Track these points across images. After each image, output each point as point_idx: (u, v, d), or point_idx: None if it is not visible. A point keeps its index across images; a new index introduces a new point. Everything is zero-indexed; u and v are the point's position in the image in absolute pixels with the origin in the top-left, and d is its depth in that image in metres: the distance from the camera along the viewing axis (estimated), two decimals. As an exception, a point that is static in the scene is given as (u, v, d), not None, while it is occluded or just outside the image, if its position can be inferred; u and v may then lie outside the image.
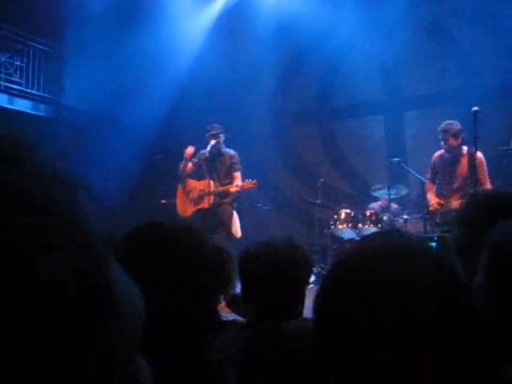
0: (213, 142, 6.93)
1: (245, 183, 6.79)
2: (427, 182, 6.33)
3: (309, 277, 2.02)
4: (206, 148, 7.02)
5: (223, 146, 7.09)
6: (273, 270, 1.85)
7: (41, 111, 9.25)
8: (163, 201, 8.49)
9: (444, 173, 6.05)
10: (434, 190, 6.12)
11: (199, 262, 1.38)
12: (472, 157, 5.68)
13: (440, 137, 5.92)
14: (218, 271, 1.97)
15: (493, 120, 6.26)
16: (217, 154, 7.04)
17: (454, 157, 5.94)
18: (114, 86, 8.86)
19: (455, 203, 5.79)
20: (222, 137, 7.06)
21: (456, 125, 5.87)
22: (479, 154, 5.67)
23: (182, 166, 7.25)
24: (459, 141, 5.87)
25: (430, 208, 6.00)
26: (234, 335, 1.83)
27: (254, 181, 6.77)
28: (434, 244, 4.17)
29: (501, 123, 7.00)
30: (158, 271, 1.33)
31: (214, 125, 7.10)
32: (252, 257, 1.91)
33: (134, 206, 9.01)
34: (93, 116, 9.04)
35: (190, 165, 7.20)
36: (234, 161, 7.01)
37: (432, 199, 6.04)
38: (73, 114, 9.11)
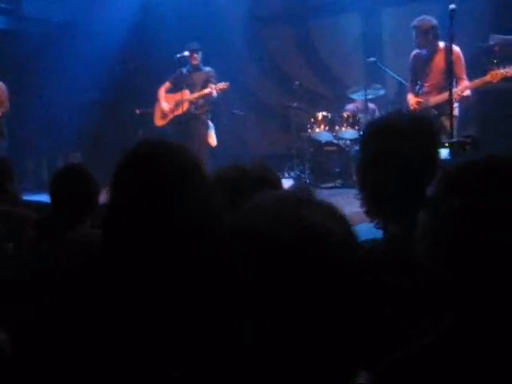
0: (188, 53, 6.98)
1: (218, 85, 6.91)
2: (408, 83, 6.24)
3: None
4: (181, 67, 7.15)
5: (201, 64, 7.17)
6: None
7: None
8: (138, 111, 8.35)
9: (421, 70, 5.96)
10: (415, 90, 6.05)
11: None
12: (448, 52, 5.59)
13: (413, 34, 5.80)
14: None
15: (471, 15, 6.09)
16: (194, 70, 7.16)
17: (429, 53, 5.84)
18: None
19: (433, 99, 5.76)
20: (201, 54, 7.13)
21: (428, 20, 5.72)
22: (456, 49, 5.57)
23: (159, 90, 7.38)
24: (430, 37, 5.74)
25: (410, 108, 5.96)
26: None
27: (227, 83, 6.91)
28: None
29: (479, 19, 6.83)
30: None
31: (191, 44, 7.11)
32: (219, 178, 1.87)
33: (108, 118, 8.84)
34: (56, 26, 8.61)
35: (166, 84, 7.35)
36: (211, 75, 7.11)
37: (411, 99, 5.99)
38: (34, 24, 8.63)
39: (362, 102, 7.50)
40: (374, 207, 1.68)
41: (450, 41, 5.29)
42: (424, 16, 5.78)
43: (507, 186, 1.02)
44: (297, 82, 8.08)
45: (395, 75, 6.95)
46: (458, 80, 5.59)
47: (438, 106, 5.67)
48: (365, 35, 8.66)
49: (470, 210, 1.02)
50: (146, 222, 1.30)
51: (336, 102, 8.24)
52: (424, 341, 1.04)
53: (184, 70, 7.15)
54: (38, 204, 4.18)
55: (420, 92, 5.98)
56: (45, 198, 3.06)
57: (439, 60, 5.78)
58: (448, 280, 1.03)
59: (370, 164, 1.70)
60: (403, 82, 6.83)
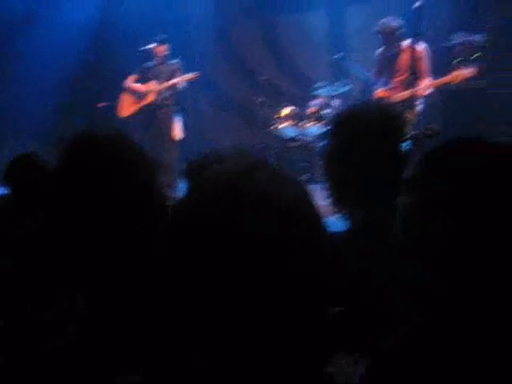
0: (155, 46, 6.90)
1: (186, 75, 6.84)
2: (373, 77, 6.29)
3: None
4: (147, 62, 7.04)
5: (165, 59, 7.04)
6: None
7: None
8: (101, 104, 8.20)
9: (387, 67, 6.02)
10: (379, 84, 6.11)
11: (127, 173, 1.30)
12: (413, 50, 5.65)
13: (378, 36, 5.89)
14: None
15: (434, 13, 6.14)
16: (161, 62, 7.02)
17: (394, 53, 5.90)
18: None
19: (396, 96, 5.82)
20: (166, 46, 6.99)
21: (390, 24, 5.81)
22: (419, 47, 5.64)
23: (125, 81, 7.20)
24: (394, 39, 5.83)
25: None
26: None
27: (196, 73, 6.83)
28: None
29: (442, 17, 6.89)
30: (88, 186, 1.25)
31: (155, 40, 6.98)
32: (196, 166, 1.83)
33: (70, 111, 8.65)
34: (19, 16, 8.37)
35: (132, 77, 7.17)
36: (178, 67, 6.99)
37: (378, 92, 6.05)
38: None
39: (327, 97, 7.50)
40: (339, 195, 1.68)
41: (414, 39, 5.35)
42: (386, 19, 5.85)
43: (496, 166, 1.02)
44: (263, 77, 8.05)
45: (361, 71, 6.97)
46: (422, 78, 5.65)
47: (401, 102, 5.74)
48: (331, 32, 8.67)
49: (459, 194, 1.00)
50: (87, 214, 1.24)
51: (301, 98, 8.23)
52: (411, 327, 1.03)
53: (150, 64, 7.02)
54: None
55: (386, 88, 6.04)
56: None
57: (405, 58, 5.84)
58: (431, 271, 1.02)
59: (337, 154, 1.71)
60: (368, 78, 6.86)
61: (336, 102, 7.59)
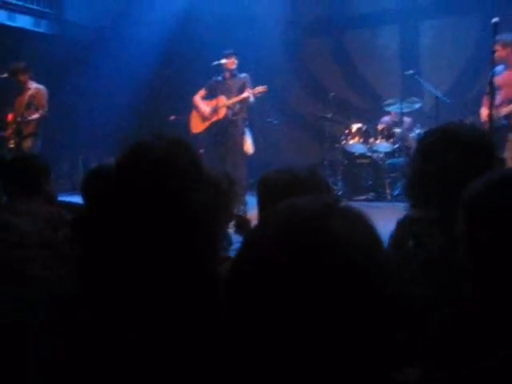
0: (226, 61, 6.92)
1: (256, 89, 6.83)
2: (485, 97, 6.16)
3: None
4: (216, 76, 7.07)
5: (236, 71, 7.06)
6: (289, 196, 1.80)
7: (42, 28, 8.93)
8: (172, 117, 8.41)
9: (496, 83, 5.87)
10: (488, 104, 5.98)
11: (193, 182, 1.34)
12: None
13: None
14: (216, 194, 1.92)
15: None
16: (230, 76, 7.04)
17: (506, 67, 5.76)
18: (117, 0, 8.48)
19: (503, 110, 5.73)
20: (236, 59, 7.01)
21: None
22: None
23: (194, 97, 7.24)
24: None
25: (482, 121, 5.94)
26: None
27: (265, 86, 6.81)
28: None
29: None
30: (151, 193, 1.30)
31: (227, 52, 7.00)
32: (270, 182, 1.85)
33: (143, 123, 8.93)
34: (97, 31, 8.75)
35: (201, 92, 7.21)
36: (247, 80, 7.00)
37: (483, 112, 5.94)
38: (76, 29, 8.79)
39: (397, 114, 7.43)
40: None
41: (492, 53, 5.21)
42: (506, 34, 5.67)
43: None
44: (332, 93, 8.04)
45: (432, 88, 6.86)
46: None
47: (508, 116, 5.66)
48: (402, 48, 8.59)
49: None
50: (140, 221, 1.28)
51: (371, 114, 8.18)
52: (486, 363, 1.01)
53: (219, 78, 7.07)
54: (72, 205, 4.22)
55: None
56: (78, 199, 3.09)
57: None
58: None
59: (427, 175, 1.75)
60: (439, 95, 6.75)
61: (407, 120, 7.50)
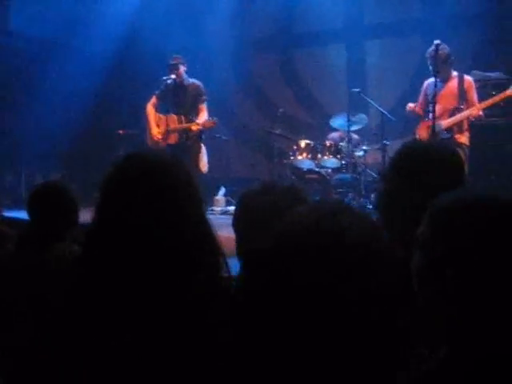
0: (173, 75, 6.84)
1: (205, 122, 6.79)
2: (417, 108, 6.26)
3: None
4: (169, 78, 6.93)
5: (185, 76, 6.98)
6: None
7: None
8: (121, 131, 8.33)
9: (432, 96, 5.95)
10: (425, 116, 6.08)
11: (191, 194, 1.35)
12: (462, 79, 5.78)
13: (428, 62, 5.75)
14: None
15: (457, 51, 6.18)
16: (179, 86, 6.95)
17: (443, 80, 5.83)
18: (65, 12, 8.33)
19: (444, 122, 5.83)
20: (183, 67, 6.94)
21: (445, 48, 5.69)
22: (467, 77, 5.80)
23: (147, 107, 7.10)
24: (447, 65, 5.78)
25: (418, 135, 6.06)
26: None
27: (215, 119, 6.79)
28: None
29: (464, 54, 6.94)
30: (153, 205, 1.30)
31: (175, 56, 6.95)
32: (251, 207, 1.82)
33: (91, 138, 8.80)
34: (43, 42, 8.58)
35: (153, 100, 7.10)
36: (200, 92, 6.95)
37: (420, 127, 6.08)
38: (21, 40, 8.61)
39: (344, 131, 7.56)
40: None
41: (434, 76, 5.39)
42: (440, 43, 5.62)
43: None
44: (281, 110, 8.11)
45: (378, 106, 7.03)
46: (471, 104, 5.75)
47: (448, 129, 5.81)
48: (349, 66, 8.78)
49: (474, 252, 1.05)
50: (132, 239, 1.28)
51: (319, 131, 8.29)
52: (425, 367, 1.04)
53: (169, 81, 6.92)
54: (16, 221, 4.12)
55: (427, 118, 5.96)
56: (23, 214, 3.02)
57: (454, 87, 5.85)
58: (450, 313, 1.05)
59: (394, 196, 1.79)
60: (385, 112, 6.93)
61: (354, 136, 7.64)
